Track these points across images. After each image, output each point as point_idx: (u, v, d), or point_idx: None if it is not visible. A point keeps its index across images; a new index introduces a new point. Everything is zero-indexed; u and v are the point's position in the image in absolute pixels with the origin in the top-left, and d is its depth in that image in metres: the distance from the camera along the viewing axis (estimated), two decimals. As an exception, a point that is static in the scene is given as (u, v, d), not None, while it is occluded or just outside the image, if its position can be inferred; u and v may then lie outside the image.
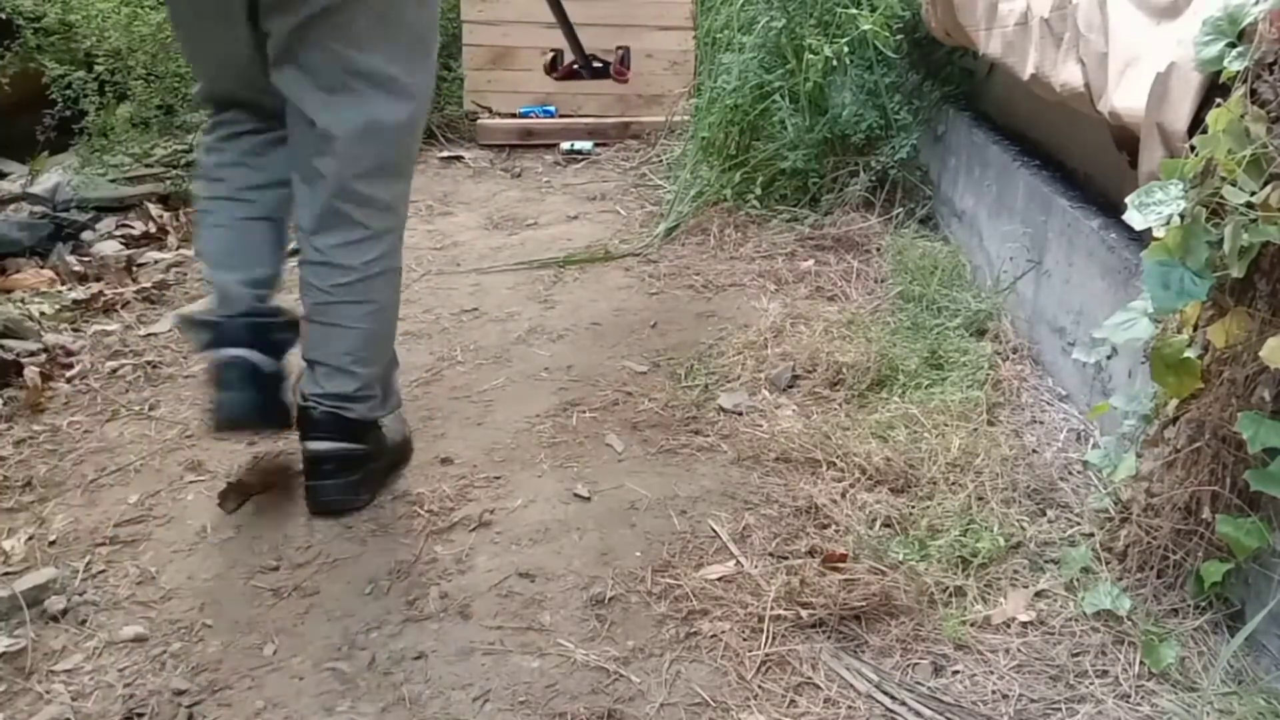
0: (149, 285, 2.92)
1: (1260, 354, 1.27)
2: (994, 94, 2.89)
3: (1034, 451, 1.92)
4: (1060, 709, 1.37)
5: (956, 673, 1.44)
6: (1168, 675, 1.40)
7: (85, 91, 3.53)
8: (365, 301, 1.77)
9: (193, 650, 1.52)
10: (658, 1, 4.28)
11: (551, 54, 3.20)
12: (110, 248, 3.31)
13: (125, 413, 2.21)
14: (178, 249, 3.32)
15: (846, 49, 2.96)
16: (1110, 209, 2.01)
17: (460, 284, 2.88)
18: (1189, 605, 1.48)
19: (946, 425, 1.97)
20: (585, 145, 4.15)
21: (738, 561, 1.67)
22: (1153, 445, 1.56)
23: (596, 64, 3.31)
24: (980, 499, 1.77)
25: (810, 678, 1.43)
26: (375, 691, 1.43)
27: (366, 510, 1.85)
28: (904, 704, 1.37)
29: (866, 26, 2.90)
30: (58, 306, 2.79)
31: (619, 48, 3.21)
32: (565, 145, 4.15)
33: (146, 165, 3.93)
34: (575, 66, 3.25)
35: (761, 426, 2.05)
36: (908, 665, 1.45)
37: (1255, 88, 1.29)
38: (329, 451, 1.79)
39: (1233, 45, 1.35)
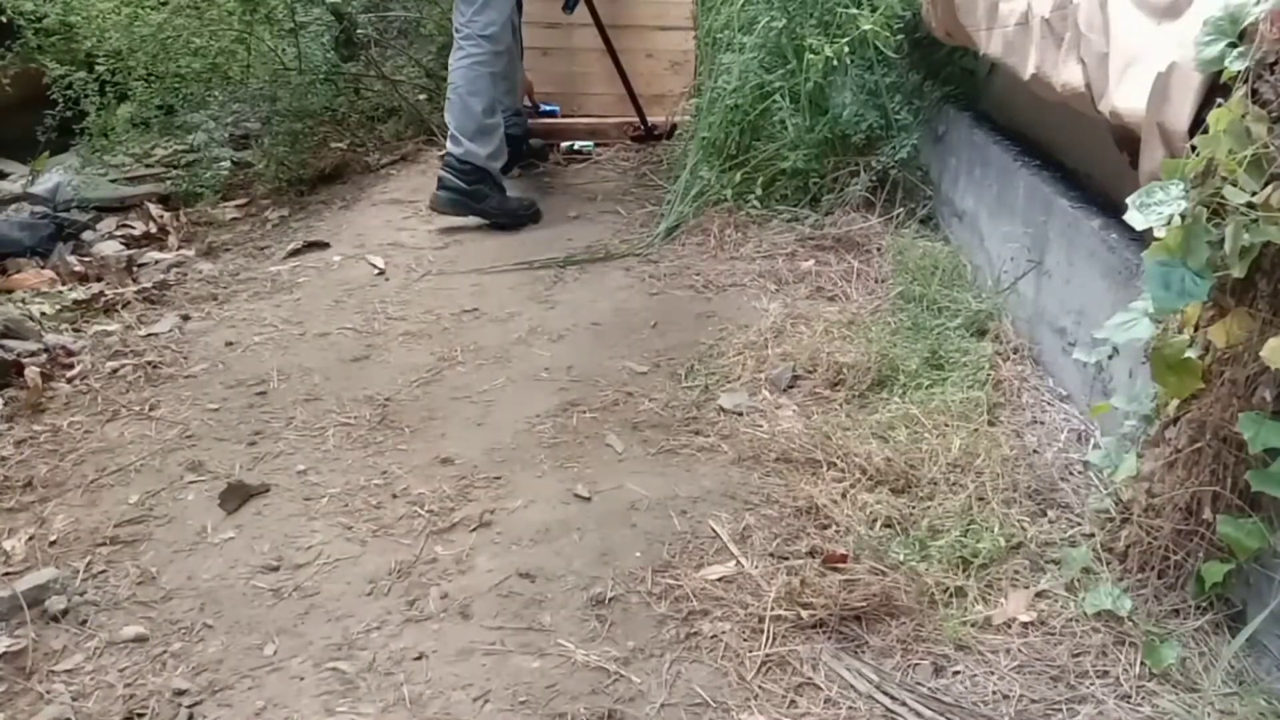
0: (149, 285, 2.93)
1: (1261, 354, 1.27)
2: (995, 94, 2.89)
3: (1035, 452, 1.92)
4: (1061, 709, 1.37)
5: (957, 673, 1.44)
6: (1169, 676, 1.40)
7: (86, 92, 3.54)
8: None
9: (193, 650, 1.52)
10: (658, 1, 4.28)
11: (630, 128, 4.26)
12: (111, 248, 3.32)
13: (125, 413, 2.21)
14: (178, 249, 3.33)
15: (847, 49, 2.95)
16: (1111, 209, 2.01)
17: (460, 284, 2.88)
18: (1190, 606, 1.48)
19: (947, 425, 1.97)
20: (585, 145, 4.15)
21: (738, 562, 1.67)
22: (1154, 445, 1.56)
23: (655, 130, 4.20)
24: (981, 499, 1.77)
25: (811, 678, 1.43)
26: (375, 691, 1.43)
27: (366, 510, 1.85)
28: (904, 704, 1.37)
29: (867, 26, 2.89)
30: (58, 306, 2.80)
31: (671, 122, 4.19)
32: (565, 145, 4.15)
33: (147, 165, 3.94)
34: (642, 132, 4.22)
35: (762, 427, 2.05)
36: (908, 666, 1.45)
37: (1256, 88, 1.29)
38: (441, 174, 3.27)
39: (1234, 45, 1.35)
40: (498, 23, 3.25)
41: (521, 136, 3.89)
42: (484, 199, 3.25)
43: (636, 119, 4.16)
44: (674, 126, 4.02)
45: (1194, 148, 1.36)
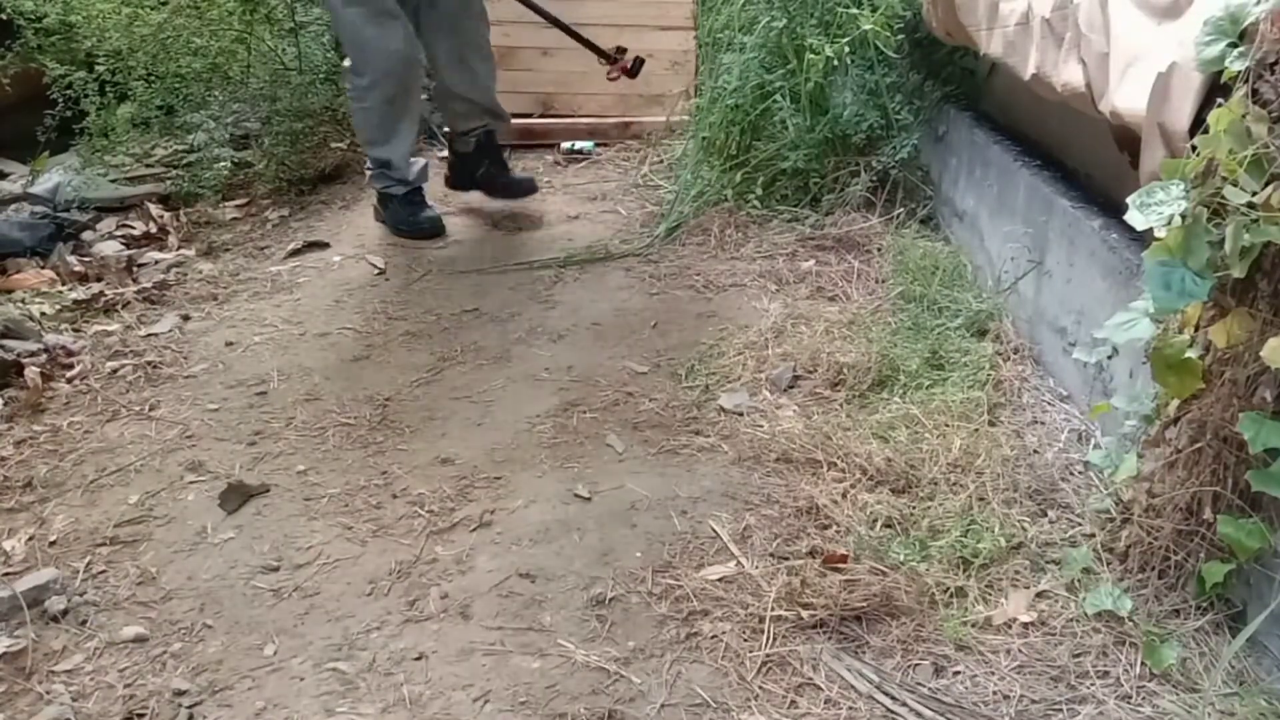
0: (149, 285, 2.92)
1: (1261, 354, 1.27)
2: (995, 94, 2.89)
3: (1035, 452, 1.92)
4: (1061, 710, 1.37)
5: (958, 673, 1.44)
6: (1169, 676, 1.40)
7: (86, 92, 3.53)
8: None
9: (193, 650, 1.52)
10: (658, 1, 4.27)
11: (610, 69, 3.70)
12: (111, 248, 3.31)
13: (125, 413, 2.21)
14: (178, 249, 3.32)
15: (847, 49, 2.95)
16: (1111, 209, 2.01)
17: (461, 284, 2.88)
18: (1190, 606, 1.48)
19: (947, 426, 1.97)
20: (585, 145, 4.15)
21: (738, 562, 1.67)
22: (1154, 445, 1.56)
23: (616, 58, 3.66)
24: (981, 499, 1.77)
25: (811, 678, 1.43)
26: (375, 692, 1.43)
27: (366, 510, 1.85)
28: (905, 705, 1.37)
29: (867, 26, 2.89)
30: (58, 306, 2.79)
31: (637, 57, 3.65)
32: (565, 145, 4.15)
33: (147, 165, 3.93)
34: (612, 66, 3.64)
35: (762, 427, 2.05)
36: (909, 666, 1.45)
37: (1256, 88, 1.29)
38: None
39: (1234, 45, 1.35)
40: (351, 56, 3.09)
41: (470, 154, 3.43)
42: (385, 210, 3.28)
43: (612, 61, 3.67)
44: (640, 60, 3.64)
45: (1194, 148, 1.36)
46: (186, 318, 2.70)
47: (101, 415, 2.20)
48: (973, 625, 1.51)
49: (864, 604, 1.53)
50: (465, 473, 1.96)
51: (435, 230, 3.24)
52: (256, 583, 1.67)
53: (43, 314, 2.73)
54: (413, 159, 3.27)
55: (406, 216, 3.25)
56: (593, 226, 3.30)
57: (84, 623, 1.58)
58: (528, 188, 3.46)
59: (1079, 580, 1.57)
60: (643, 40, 4.25)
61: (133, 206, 3.65)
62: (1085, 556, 1.59)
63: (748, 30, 3.26)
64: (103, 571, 1.70)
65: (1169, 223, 1.36)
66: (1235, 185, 1.27)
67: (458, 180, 3.51)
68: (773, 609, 1.54)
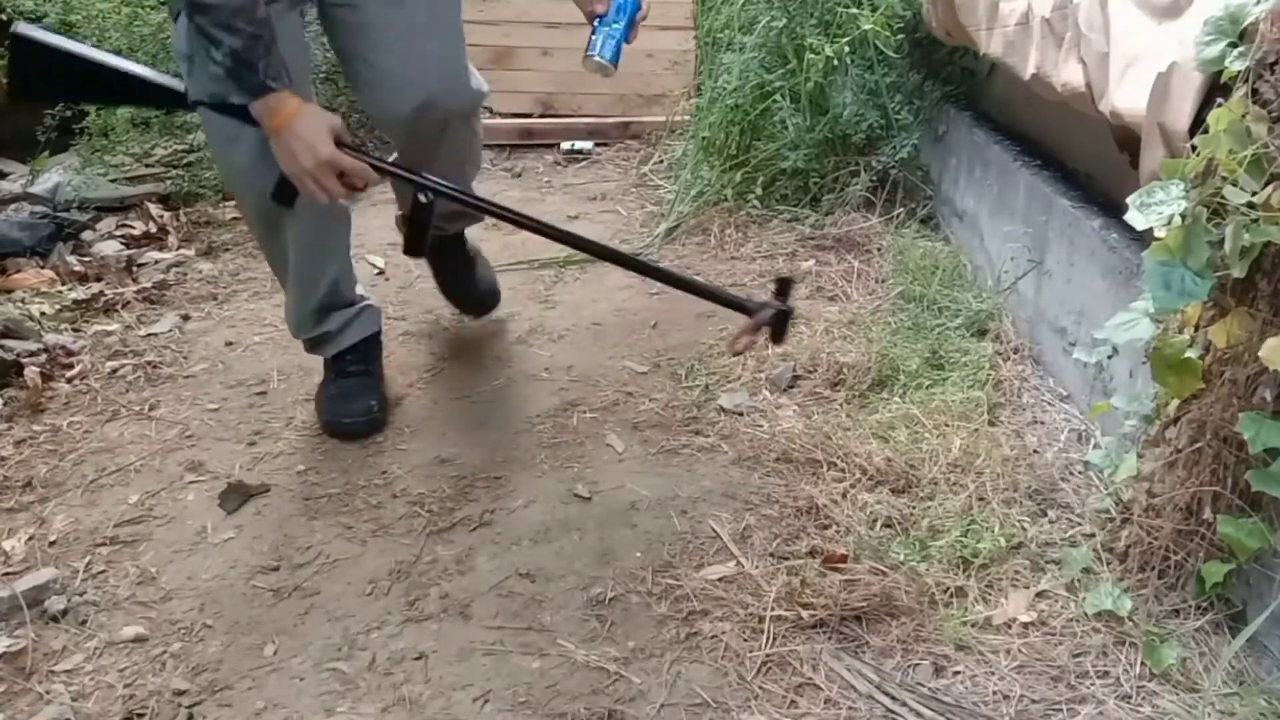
0: (149, 285, 2.92)
1: (1260, 354, 1.27)
2: (995, 94, 2.89)
3: (1035, 452, 1.92)
4: (1061, 710, 1.37)
5: (957, 673, 1.44)
6: (1169, 676, 1.40)
7: (86, 91, 3.53)
8: None
9: (193, 650, 1.52)
10: (658, 1, 4.28)
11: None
12: (111, 248, 3.31)
13: (125, 413, 2.21)
14: (178, 249, 3.32)
15: (847, 49, 2.95)
16: (1111, 209, 2.01)
17: (461, 284, 2.87)
18: (1190, 606, 1.48)
19: (947, 425, 1.97)
20: (585, 145, 4.15)
21: (738, 562, 1.67)
22: (1154, 445, 1.56)
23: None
24: (981, 499, 1.77)
25: (811, 678, 1.43)
26: (375, 692, 1.43)
27: (366, 510, 1.85)
28: (905, 705, 1.37)
29: (867, 26, 2.89)
30: (58, 306, 2.79)
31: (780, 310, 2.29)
32: (565, 145, 4.15)
33: (147, 165, 3.92)
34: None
35: (762, 427, 2.05)
36: (909, 666, 1.45)
37: (1256, 87, 1.29)
38: None
39: (1234, 45, 1.35)
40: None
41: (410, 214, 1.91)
42: None
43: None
44: (788, 282, 2.10)
45: (1194, 148, 1.36)
46: (186, 318, 2.70)
47: (101, 415, 2.20)
48: (973, 625, 1.51)
49: (864, 604, 1.53)
50: (465, 473, 1.96)
51: (355, 431, 2.07)
52: (256, 583, 1.67)
53: (42, 314, 2.73)
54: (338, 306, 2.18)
55: (322, 396, 2.15)
56: (593, 226, 3.29)
57: (84, 623, 1.58)
58: (487, 300, 2.54)
59: (1079, 580, 1.57)
60: (642, 40, 4.24)
61: (133, 206, 3.65)
62: (1085, 556, 1.59)
63: (748, 30, 3.25)
64: (103, 571, 1.70)
65: (1169, 223, 1.36)
66: (1235, 185, 1.27)
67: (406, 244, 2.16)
68: (773, 609, 1.54)
